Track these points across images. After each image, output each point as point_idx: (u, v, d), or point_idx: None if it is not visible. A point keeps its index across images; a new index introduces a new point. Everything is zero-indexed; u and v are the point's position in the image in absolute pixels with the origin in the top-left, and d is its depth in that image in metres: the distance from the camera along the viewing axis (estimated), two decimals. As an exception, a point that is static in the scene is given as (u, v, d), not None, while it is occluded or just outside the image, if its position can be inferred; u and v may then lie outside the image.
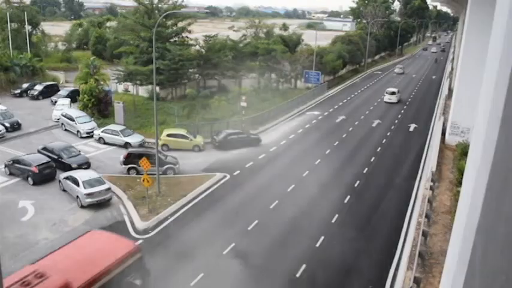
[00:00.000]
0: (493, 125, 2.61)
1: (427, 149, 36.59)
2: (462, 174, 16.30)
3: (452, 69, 69.54)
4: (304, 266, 19.94)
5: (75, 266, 14.77)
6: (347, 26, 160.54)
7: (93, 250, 16.14)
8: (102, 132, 37.42)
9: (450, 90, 51.55)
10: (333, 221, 24.35)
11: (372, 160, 34.30)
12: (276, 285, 18.91)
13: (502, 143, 2.52)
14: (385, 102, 55.69)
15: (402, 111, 52.19)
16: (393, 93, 56.34)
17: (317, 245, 21.88)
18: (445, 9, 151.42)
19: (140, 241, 22.05)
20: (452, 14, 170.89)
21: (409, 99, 59.21)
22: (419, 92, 65.77)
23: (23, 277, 13.91)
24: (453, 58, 78.35)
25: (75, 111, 41.20)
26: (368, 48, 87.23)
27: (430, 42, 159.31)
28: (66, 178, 26.94)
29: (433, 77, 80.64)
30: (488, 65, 3.01)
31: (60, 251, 16.29)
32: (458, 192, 19.34)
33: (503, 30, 2.59)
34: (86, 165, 30.92)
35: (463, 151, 27.32)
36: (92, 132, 38.24)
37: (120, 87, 53.03)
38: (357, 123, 45.82)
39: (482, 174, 2.71)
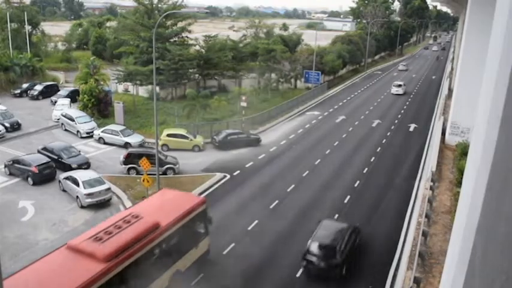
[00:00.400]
0: (493, 125, 2.61)
1: (427, 149, 36.59)
2: (462, 174, 16.29)
3: (452, 69, 69.53)
4: (302, 269, 19.94)
5: (159, 212, 18.31)
6: (347, 26, 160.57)
7: (169, 201, 19.97)
8: (102, 132, 37.42)
9: (450, 90, 51.54)
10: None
11: (371, 160, 34.30)
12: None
13: (502, 143, 2.52)
14: (393, 94, 61.80)
15: (402, 111, 52.21)
16: (399, 85, 63.09)
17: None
18: (445, 9, 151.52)
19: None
20: (452, 14, 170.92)
21: (409, 100, 59.21)
22: (419, 92, 65.76)
23: (123, 217, 17.22)
24: (453, 58, 78.33)
25: (75, 111, 41.21)
26: (368, 48, 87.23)
27: (431, 41, 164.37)
28: (66, 178, 26.95)
29: (433, 77, 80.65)
30: (488, 65, 3.00)
31: (143, 202, 20.14)
32: (458, 192, 19.31)
33: (503, 30, 2.59)
34: (85, 165, 30.93)
35: (463, 151, 27.28)
36: (92, 132, 38.24)
37: (120, 88, 53.03)
38: (356, 123, 45.82)
39: (482, 174, 2.70)
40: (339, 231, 19.89)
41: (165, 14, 43.25)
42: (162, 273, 17.10)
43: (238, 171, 31.58)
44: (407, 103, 56.91)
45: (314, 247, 18.95)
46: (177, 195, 21.14)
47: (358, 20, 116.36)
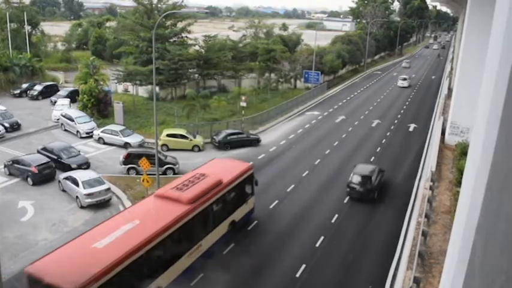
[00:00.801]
0: (493, 125, 2.61)
1: (427, 149, 36.59)
2: (462, 174, 16.29)
3: (451, 69, 69.57)
4: (304, 266, 19.97)
5: (218, 172, 22.26)
6: (347, 26, 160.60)
7: (225, 166, 24.08)
8: (101, 132, 37.41)
9: (450, 90, 51.54)
10: (333, 221, 24.37)
11: (371, 160, 34.30)
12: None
13: (502, 143, 2.52)
14: (399, 86, 68.41)
15: (402, 111, 52.22)
16: (405, 79, 69.99)
17: (317, 245, 21.91)
18: (444, 9, 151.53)
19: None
20: (451, 14, 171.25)
21: (408, 99, 59.23)
22: (419, 92, 65.76)
23: (193, 175, 21.50)
24: (453, 58, 78.34)
25: (74, 112, 41.19)
26: (368, 48, 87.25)
27: (432, 41, 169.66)
28: (66, 178, 26.94)
29: (433, 76, 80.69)
30: (488, 65, 3.00)
31: (203, 167, 23.99)
32: (458, 192, 19.34)
33: (503, 29, 2.59)
34: (85, 165, 30.92)
35: (462, 151, 27.28)
36: (92, 132, 38.22)
37: (120, 88, 53.05)
38: (356, 123, 45.82)
39: (482, 174, 2.70)
40: (371, 169, 28.02)
41: (165, 14, 43.26)
42: (223, 219, 21.66)
43: (238, 171, 31.53)
44: (407, 103, 56.93)
45: (355, 178, 26.96)
46: (229, 162, 25.91)
47: (358, 20, 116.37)
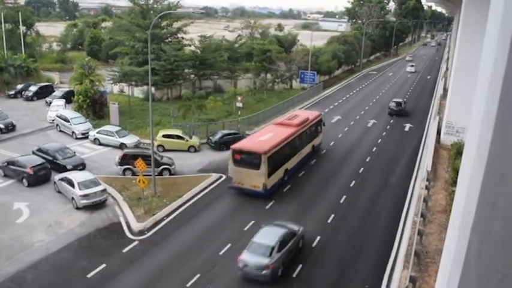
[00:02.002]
0: (488, 125, 2.62)
1: (423, 149, 36.70)
2: (457, 174, 16.35)
3: (447, 69, 69.80)
4: (300, 265, 19.99)
5: (304, 115, 35.02)
6: (342, 27, 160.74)
7: (306, 113, 37.17)
8: (97, 133, 37.29)
9: (445, 90, 51.72)
10: (329, 221, 24.40)
11: (367, 160, 34.37)
12: None
13: (497, 143, 2.53)
14: (408, 71, 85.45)
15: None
16: (412, 66, 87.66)
17: (314, 244, 21.93)
18: (439, 9, 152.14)
19: (136, 242, 22.03)
20: (446, 14, 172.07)
21: (404, 99, 59.35)
22: (415, 92, 65.91)
23: (290, 115, 35.24)
24: (448, 58, 78.63)
25: (70, 112, 41.05)
26: (363, 49, 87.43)
27: (429, 39, 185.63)
28: (61, 179, 26.83)
29: (428, 77, 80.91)
30: (483, 65, 3.01)
31: (290, 114, 37.48)
32: (454, 191, 19.41)
33: (498, 29, 2.60)
34: (81, 166, 30.80)
35: (458, 151, 27.39)
36: (87, 133, 38.09)
37: (116, 88, 52.91)
38: (352, 123, 45.89)
39: (477, 173, 2.71)
40: (401, 99, 51.46)
41: (161, 14, 43.23)
42: (309, 142, 34.12)
43: (234, 172, 31.54)
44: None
45: (392, 104, 49.50)
46: (308, 111, 40.29)
47: (354, 20, 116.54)
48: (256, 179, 26.49)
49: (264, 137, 29.14)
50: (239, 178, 27.05)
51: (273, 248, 18.93)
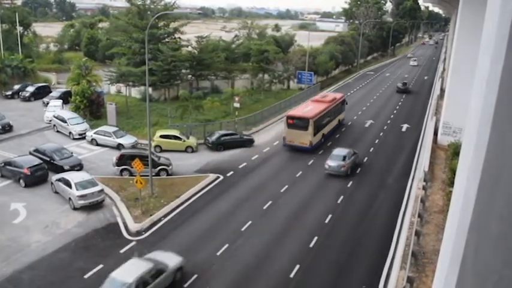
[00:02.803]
0: (485, 125, 2.62)
1: (420, 149, 36.75)
2: (454, 174, 16.36)
3: (444, 69, 69.98)
4: (298, 266, 19.98)
5: (332, 95, 45.33)
6: (339, 27, 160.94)
7: (332, 95, 46.34)
8: (94, 133, 37.22)
9: (442, 90, 51.82)
10: (326, 221, 24.41)
11: (364, 160, 34.40)
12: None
13: (494, 143, 2.53)
14: (411, 65, 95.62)
15: (395, 111, 52.42)
16: (415, 60, 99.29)
17: (311, 245, 21.94)
18: (436, 10, 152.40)
19: (133, 243, 21.99)
20: (443, 15, 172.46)
21: (401, 99, 59.47)
22: (412, 92, 66.04)
23: (320, 96, 46.40)
24: (445, 58, 78.78)
25: (67, 113, 40.95)
26: (360, 49, 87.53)
27: (428, 39, 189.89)
28: (59, 180, 26.77)
29: (425, 77, 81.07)
30: (480, 65, 3.01)
31: (320, 94, 50.99)
32: (451, 191, 19.41)
33: (494, 29, 2.60)
34: (78, 166, 30.74)
35: (455, 151, 27.40)
36: (85, 133, 38.01)
37: (113, 89, 52.84)
38: (349, 123, 45.94)
39: (474, 174, 2.71)
40: (406, 80, 69.05)
41: (158, 14, 43.08)
42: (336, 117, 42.81)
43: (231, 172, 31.56)
44: (400, 103, 57.14)
45: (399, 84, 65.79)
46: (333, 93, 48.61)
47: (351, 20, 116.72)
48: (305, 138, 35.70)
49: (306, 109, 38.96)
50: (291, 138, 36.31)
51: None
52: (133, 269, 17.28)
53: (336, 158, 30.75)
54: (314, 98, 44.40)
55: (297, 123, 35.89)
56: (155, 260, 18.25)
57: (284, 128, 36.89)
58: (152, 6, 52.15)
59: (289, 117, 36.58)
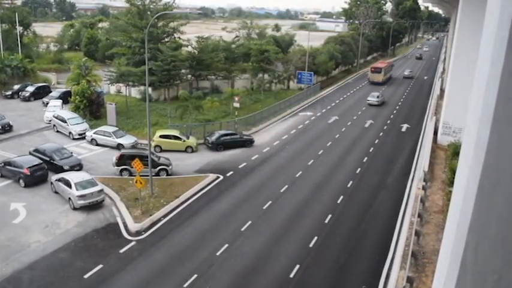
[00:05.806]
0: (485, 125, 2.61)
1: (419, 149, 36.77)
2: (454, 174, 16.38)
3: (444, 69, 70.01)
4: (297, 266, 19.99)
5: (386, 62, 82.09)
6: (339, 27, 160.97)
7: (386, 61, 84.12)
8: (94, 133, 37.20)
9: (442, 91, 51.84)
10: (326, 221, 24.41)
11: (364, 160, 34.41)
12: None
13: (494, 143, 2.52)
14: (416, 58, 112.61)
15: (394, 111, 52.45)
16: (417, 58, 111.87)
17: (310, 245, 21.94)
18: (436, 10, 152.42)
19: (133, 243, 21.99)
20: (443, 15, 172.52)
21: (402, 99, 59.50)
22: (412, 91, 66.07)
23: (379, 62, 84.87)
24: (445, 58, 78.82)
25: (67, 113, 40.92)
26: (360, 49, 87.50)
27: (430, 36, 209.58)
28: (58, 180, 26.76)
29: (425, 77, 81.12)
30: (480, 65, 3.01)
31: (379, 61, 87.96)
32: (451, 192, 19.41)
33: (494, 29, 2.60)
34: (78, 166, 30.74)
35: (455, 151, 27.44)
36: (84, 133, 37.99)
37: (113, 89, 52.82)
38: (349, 123, 45.95)
39: (474, 174, 2.71)
40: (412, 70, 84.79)
41: (157, 14, 43.07)
42: (388, 72, 76.45)
43: (231, 172, 31.56)
44: (400, 103, 57.18)
45: (406, 72, 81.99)
46: (389, 60, 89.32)
47: (351, 20, 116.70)
48: (379, 77, 69.41)
49: (379, 65, 72.90)
50: (372, 78, 70.06)
51: None
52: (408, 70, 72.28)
53: (373, 96, 55.40)
54: (381, 61, 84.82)
55: (376, 70, 70.56)
56: None
57: (369, 73, 71.86)
58: (152, 6, 52.15)
59: (372, 67, 72.80)
